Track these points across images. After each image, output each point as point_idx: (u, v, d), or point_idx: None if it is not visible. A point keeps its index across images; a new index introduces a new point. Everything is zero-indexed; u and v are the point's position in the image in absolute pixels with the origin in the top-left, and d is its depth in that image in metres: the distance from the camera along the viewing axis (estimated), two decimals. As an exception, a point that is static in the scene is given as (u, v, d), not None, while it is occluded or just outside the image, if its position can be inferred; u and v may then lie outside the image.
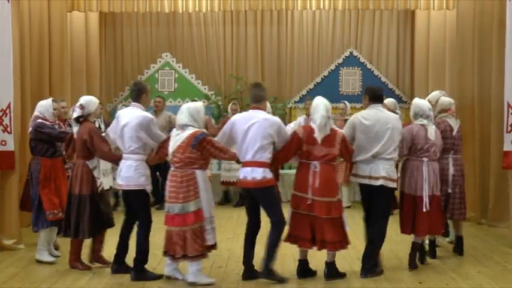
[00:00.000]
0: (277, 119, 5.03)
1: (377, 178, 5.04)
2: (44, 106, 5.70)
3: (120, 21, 10.62)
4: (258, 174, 4.83)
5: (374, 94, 5.31)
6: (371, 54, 10.51)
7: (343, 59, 10.35)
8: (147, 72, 10.45)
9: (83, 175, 5.21)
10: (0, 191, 6.29)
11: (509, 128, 6.28)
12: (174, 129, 4.95)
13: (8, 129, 6.19)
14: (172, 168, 4.85)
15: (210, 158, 4.98)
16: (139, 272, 5.04)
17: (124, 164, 5.01)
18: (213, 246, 4.98)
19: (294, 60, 10.65)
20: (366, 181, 5.09)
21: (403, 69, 10.55)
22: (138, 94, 5.15)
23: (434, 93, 6.13)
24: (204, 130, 4.92)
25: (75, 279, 5.09)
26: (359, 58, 10.33)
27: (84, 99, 5.37)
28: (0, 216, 6.27)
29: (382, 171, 5.03)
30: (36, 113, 5.69)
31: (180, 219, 4.76)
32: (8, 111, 6.18)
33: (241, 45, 10.71)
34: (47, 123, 5.64)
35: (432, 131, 5.39)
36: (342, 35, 10.59)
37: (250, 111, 5.03)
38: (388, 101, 6.96)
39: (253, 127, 4.86)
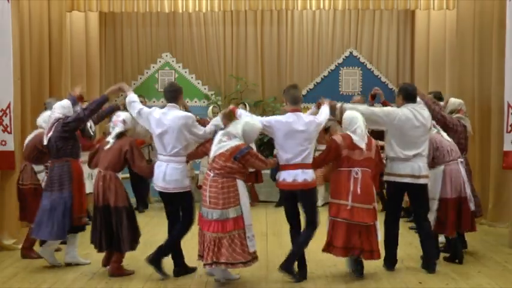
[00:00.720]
0: (317, 119, 5.07)
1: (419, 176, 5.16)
2: (66, 107, 5.44)
3: (120, 21, 10.61)
4: (308, 175, 4.91)
5: (408, 93, 5.33)
6: (371, 54, 10.52)
7: (343, 59, 10.36)
8: (147, 72, 10.46)
9: (117, 188, 5.14)
10: (0, 191, 6.29)
11: (509, 128, 6.29)
12: (220, 133, 4.91)
13: (8, 129, 6.20)
14: (211, 174, 4.78)
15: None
16: (158, 261, 5.06)
17: (167, 167, 5.00)
18: (255, 254, 4.89)
19: (294, 60, 10.65)
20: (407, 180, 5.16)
21: (403, 69, 10.54)
22: (176, 95, 5.17)
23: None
24: (249, 145, 4.91)
25: (75, 279, 5.09)
26: (359, 58, 10.34)
27: (125, 115, 5.34)
28: (0, 216, 6.27)
29: (424, 170, 5.18)
30: (57, 115, 5.38)
31: (218, 226, 4.71)
32: (8, 111, 6.18)
33: (241, 45, 10.71)
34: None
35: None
36: (342, 35, 10.59)
37: (290, 113, 5.00)
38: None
39: (298, 129, 4.90)
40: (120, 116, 5.33)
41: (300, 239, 5.02)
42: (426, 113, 5.31)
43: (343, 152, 4.95)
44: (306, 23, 10.63)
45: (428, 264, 5.26)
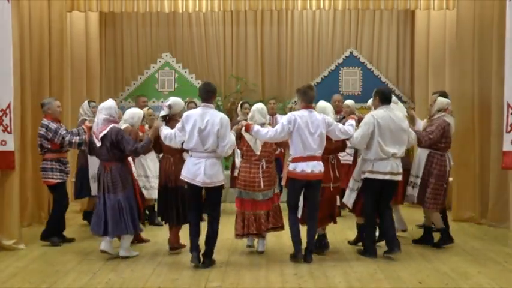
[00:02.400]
0: (328, 118, 5.61)
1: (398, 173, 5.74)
2: (113, 107, 5.79)
3: (120, 21, 10.62)
4: (321, 167, 5.52)
5: (384, 96, 5.82)
6: (371, 54, 10.51)
7: (343, 59, 10.36)
8: (147, 72, 10.45)
9: (179, 169, 5.55)
10: (0, 191, 6.28)
11: (509, 128, 6.28)
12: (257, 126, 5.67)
13: (8, 129, 6.19)
14: (263, 163, 5.77)
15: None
16: (211, 257, 5.50)
17: (205, 163, 5.31)
18: None
19: (294, 60, 10.66)
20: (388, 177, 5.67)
21: (403, 69, 10.55)
22: (211, 95, 5.51)
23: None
24: None
25: (75, 279, 5.09)
26: (359, 58, 10.34)
27: (172, 100, 5.77)
28: (0, 216, 6.27)
29: (400, 168, 5.76)
30: (104, 116, 5.70)
31: (271, 201, 5.81)
32: (8, 111, 6.17)
33: (241, 45, 10.71)
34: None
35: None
36: (342, 35, 10.59)
37: (305, 110, 5.54)
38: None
39: (314, 125, 5.45)
40: (168, 100, 5.76)
41: (313, 228, 5.63)
42: (400, 114, 5.85)
43: None
44: (306, 23, 10.63)
45: (396, 246, 5.71)
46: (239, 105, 8.07)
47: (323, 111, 5.74)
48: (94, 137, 5.73)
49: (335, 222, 6.02)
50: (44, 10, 7.72)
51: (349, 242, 6.33)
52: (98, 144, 5.66)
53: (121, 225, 5.62)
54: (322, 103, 5.95)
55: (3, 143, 6.18)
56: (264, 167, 5.77)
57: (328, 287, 4.89)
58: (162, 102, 10.11)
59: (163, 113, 5.69)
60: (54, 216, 6.40)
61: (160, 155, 6.11)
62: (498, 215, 7.23)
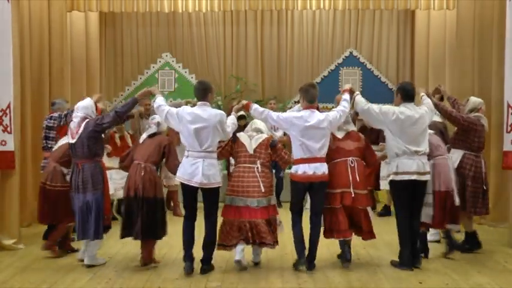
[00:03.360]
0: (329, 116, 5.31)
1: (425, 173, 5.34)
2: (90, 107, 5.54)
3: (120, 21, 10.63)
4: (325, 168, 5.24)
5: (406, 93, 5.43)
6: (371, 54, 10.52)
7: (343, 59, 10.37)
8: (147, 72, 10.46)
9: (156, 179, 5.36)
10: (0, 191, 6.29)
11: (509, 128, 6.28)
12: (242, 133, 5.51)
13: (8, 129, 6.19)
14: (258, 166, 5.33)
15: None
16: (210, 263, 5.32)
17: (203, 163, 5.11)
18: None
19: (294, 60, 10.67)
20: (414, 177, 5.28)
21: (403, 69, 10.56)
22: (207, 93, 5.29)
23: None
24: None
25: (75, 279, 5.09)
26: (359, 58, 10.35)
27: (160, 117, 5.48)
28: (0, 216, 6.27)
29: (427, 167, 5.36)
30: (82, 114, 5.44)
31: (266, 211, 5.29)
32: (8, 111, 6.18)
33: (241, 45, 10.72)
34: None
35: None
36: (342, 35, 10.60)
37: (307, 110, 5.29)
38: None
39: (315, 125, 5.19)
40: (155, 118, 5.60)
41: (315, 230, 5.33)
42: (422, 111, 5.40)
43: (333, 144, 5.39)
44: (306, 23, 10.64)
45: (416, 260, 5.38)
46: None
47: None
48: (69, 133, 5.46)
49: (365, 237, 5.45)
50: (44, 10, 7.73)
51: (445, 255, 5.76)
52: (72, 141, 5.39)
53: (88, 228, 5.32)
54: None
55: (3, 143, 6.18)
56: (260, 170, 5.33)
57: (328, 287, 4.89)
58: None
59: (151, 130, 5.58)
60: None
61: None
62: (498, 215, 7.23)
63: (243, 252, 5.27)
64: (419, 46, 9.89)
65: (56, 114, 6.61)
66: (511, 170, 6.42)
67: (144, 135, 5.66)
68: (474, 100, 6.22)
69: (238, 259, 5.25)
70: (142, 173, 5.28)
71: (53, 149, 6.21)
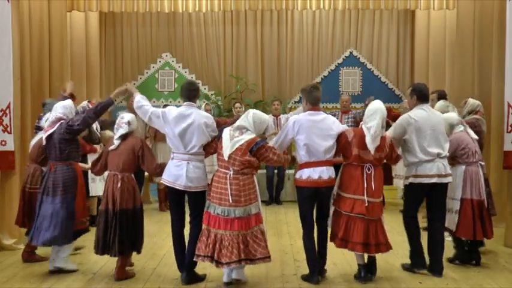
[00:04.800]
0: (334, 118, 5.14)
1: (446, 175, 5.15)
2: (68, 107, 5.31)
3: (120, 21, 10.63)
4: (331, 172, 4.95)
5: (422, 94, 5.27)
6: (371, 54, 10.53)
7: (343, 59, 10.37)
8: (147, 72, 10.46)
9: (135, 189, 5.14)
10: (1, 191, 6.29)
11: (509, 128, 6.28)
12: (228, 129, 4.85)
13: (8, 129, 6.19)
14: (231, 172, 4.71)
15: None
16: (193, 272, 4.99)
17: (188, 166, 4.88)
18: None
19: (294, 60, 10.67)
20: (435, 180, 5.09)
21: (403, 69, 10.56)
22: (195, 94, 5.06)
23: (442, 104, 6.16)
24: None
25: (75, 279, 5.09)
26: (359, 58, 10.35)
27: (130, 116, 5.26)
28: (0, 216, 6.27)
29: (448, 169, 5.16)
30: (59, 114, 5.23)
31: (241, 223, 4.68)
32: (8, 111, 6.18)
33: (241, 45, 10.72)
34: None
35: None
36: (342, 35, 10.61)
37: (311, 112, 5.00)
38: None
39: (320, 127, 4.91)
40: (124, 117, 5.25)
41: (323, 239, 5.06)
42: (438, 113, 5.33)
43: (353, 151, 4.89)
44: (306, 23, 10.64)
45: (436, 268, 5.17)
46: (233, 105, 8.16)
47: (371, 115, 4.95)
48: (44, 132, 5.25)
49: (378, 250, 4.93)
50: (44, 10, 7.72)
51: (449, 260, 5.59)
52: (44, 142, 5.19)
53: (44, 233, 5.05)
54: (375, 103, 5.09)
55: (3, 143, 6.18)
56: (231, 177, 4.71)
57: (328, 287, 4.88)
58: (162, 102, 10.14)
59: (122, 131, 5.17)
60: None
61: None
62: (498, 215, 7.19)
63: (232, 271, 4.87)
64: (419, 46, 9.89)
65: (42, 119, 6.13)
66: (511, 170, 6.41)
67: (115, 137, 5.20)
68: (472, 102, 6.20)
69: (226, 281, 4.87)
70: (119, 185, 5.00)
71: (29, 151, 5.98)
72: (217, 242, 4.67)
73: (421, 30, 9.81)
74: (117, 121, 5.31)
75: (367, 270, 5.01)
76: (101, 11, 9.07)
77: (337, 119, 5.87)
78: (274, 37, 10.69)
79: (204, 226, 4.81)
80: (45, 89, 7.68)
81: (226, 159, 4.72)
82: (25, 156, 7.16)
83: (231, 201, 4.66)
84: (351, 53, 10.37)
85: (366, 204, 4.80)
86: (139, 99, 5.04)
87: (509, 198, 6.58)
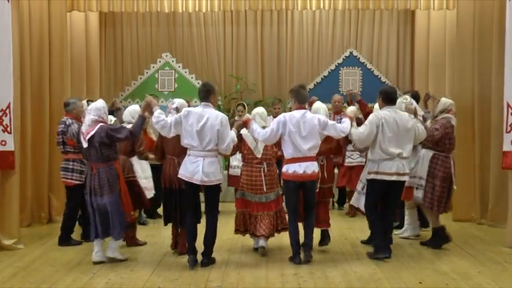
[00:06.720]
0: (322, 117, 5.57)
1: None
2: (102, 108, 5.58)
3: (120, 21, 10.62)
4: (315, 167, 5.48)
5: (387, 96, 5.75)
6: (371, 54, 10.52)
7: (343, 59, 10.36)
8: (147, 72, 10.45)
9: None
10: (1, 191, 6.28)
11: (509, 128, 6.28)
12: (247, 131, 5.77)
13: (8, 129, 6.19)
14: (265, 165, 5.84)
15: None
16: (210, 257, 5.51)
17: (203, 161, 5.30)
18: None
19: (294, 61, 10.67)
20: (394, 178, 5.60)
21: (403, 69, 10.55)
22: (209, 94, 5.46)
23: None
24: None
25: (75, 279, 5.09)
26: (359, 58, 10.34)
27: (178, 101, 5.83)
28: (0, 216, 6.27)
29: (407, 168, 5.69)
30: (93, 117, 5.47)
31: (276, 204, 5.89)
32: (8, 111, 6.18)
33: (241, 45, 10.72)
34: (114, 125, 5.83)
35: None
36: (342, 35, 10.60)
37: (299, 110, 5.48)
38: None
39: (306, 125, 5.39)
40: (174, 103, 5.78)
41: (309, 226, 5.62)
42: (405, 115, 5.69)
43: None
44: (306, 23, 10.64)
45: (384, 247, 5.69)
46: (235, 107, 8.15)
47: (316, 112, 5.75)
48: (82, 137, 5.48)
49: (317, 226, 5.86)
50: (44, 10, 7.72)
51: (362, 242, 6.35)
52: (85, 145, 5.43)
53: (109, 229, 5.53)
54: (317, 104, 6.02)
55: (3, 143, 6.18)
56: (266, 170, 5.85)
57: (328, 287, 4.89)
58: (162, 102, 10.14)
59: (171, 116, 5.55)
60: (69, 217, 6.40)
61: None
62: (498, 215, 7.22)
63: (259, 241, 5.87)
64: (419, 46, 9.89)
65: (62, 125, 6.40)
66: (511, 170, 6.42)
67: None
68: (445, 101, 6.36)
69: (256, 246, 5.95)
70: (178, 168, 5.49)
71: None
72: (257, 222, 5.81)
73: (421, 30, 9.80)
74: (168, 106, 5.90)
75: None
76: (101, 11, 9.07)
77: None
78: (274, 37, 10.69)
79: (239, 210, 5.93)
80: (45, 89, 7.69)
81: (259, 156, 5.84)
82: (25, 156, 7.18)
83: (265, 190, 5.81)
84: (351, 53, 10.37)
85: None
86: (158, 114, 5.39)
87: (509, 199, 6.58)
